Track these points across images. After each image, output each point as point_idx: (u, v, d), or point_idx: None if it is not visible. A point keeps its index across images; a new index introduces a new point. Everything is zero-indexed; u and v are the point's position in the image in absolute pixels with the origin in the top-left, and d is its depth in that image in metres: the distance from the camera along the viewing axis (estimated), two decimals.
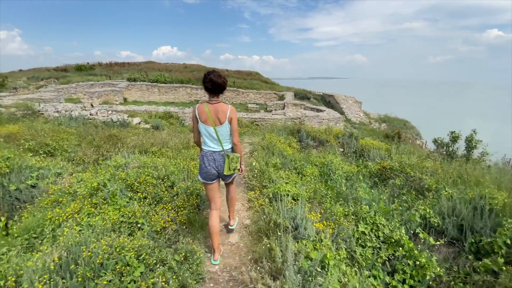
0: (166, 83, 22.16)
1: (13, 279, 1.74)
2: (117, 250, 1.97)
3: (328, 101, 22.82)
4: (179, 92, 21.15)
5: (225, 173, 2.45)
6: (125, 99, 20.65)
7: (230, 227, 2.96)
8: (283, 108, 17.35)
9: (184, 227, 2.88)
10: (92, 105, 8.62)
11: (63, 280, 1.71)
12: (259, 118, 8.96)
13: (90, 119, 7.03)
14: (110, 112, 7.40)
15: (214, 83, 2.30)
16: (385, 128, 21.01)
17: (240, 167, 2.56)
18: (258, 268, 2.22)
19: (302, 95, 22.24)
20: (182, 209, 3.05)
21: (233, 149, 2.52)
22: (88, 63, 32.46)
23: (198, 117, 2.39)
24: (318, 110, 15.52)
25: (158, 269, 1.99)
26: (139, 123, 7.37)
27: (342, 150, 6.67)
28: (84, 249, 1.92)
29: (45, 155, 4.52)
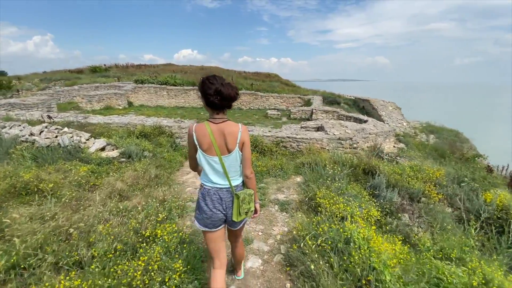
0: (176, 86, 19.81)
1: None
2: None
3: (362, 107, 19.43)
4: (190, 96, 18.69)
5: (234, 219, 1.79)
6: (130, 103, 18.48)
7: (236, 277, 2.30)
8: (311, 116, 14.29)
9: None
10: (49, 117, 6.10)
11: None
12: (289, 137, 6.01)
13: (27, 142, 4.43)
14: (62, 130, 4.75)
15: (224, 97, 1.61)
16: (436, 141, 17.33)
17: (255, 206, 1.90)
18: None
19: (330, 99, 19.03)
20: None
21: (243, 184, 1.85)
22: (104, 65, 31.59)
23: (197, 143, 1.69)
24: (358, 120, 12.30)
25: None
26: (102, 148, 4.69)
27: (451, 210, 3.59)
28: None
29: None
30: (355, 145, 5.85)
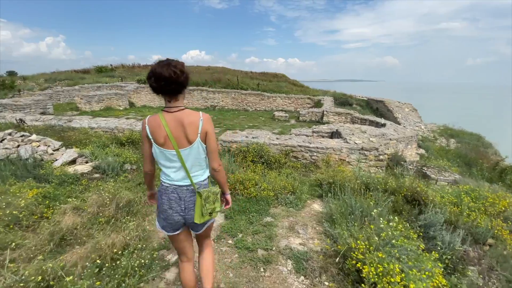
0: None
1: None
2: None
3: (376, 108, 18.22)
4: (194, 96, 17.86)
5: (196, 221, 1.55)
6: (132, 104, 17.79)
7: None
8: (321, 118, 13.24)
9: None
10: (21, 121, 5.28)
11: None
12: (301, 146, 5.03)
13: None
14: (28, 138, 3.89)
15: (159, 78, 1.36)
16: (457, 147, 16.00)
17: (224, 198, 1.76)
18: None
19: (342, 100, 17.90)
20: None
21: (208, 182, 1.64)
22: (111, 65, 31.45)
23: (150, 136, 1.48)
24: (375, 123, 11.20)
25: None
26: (73, 161, 3.80)
27: None
28: None
29: None
30: (381, 157, 4.82)
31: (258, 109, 17.26)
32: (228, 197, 1.79)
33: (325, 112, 13.02)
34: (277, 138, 5.37)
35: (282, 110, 16.39)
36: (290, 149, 5.11)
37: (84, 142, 4.74)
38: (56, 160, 3.71)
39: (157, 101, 18.35)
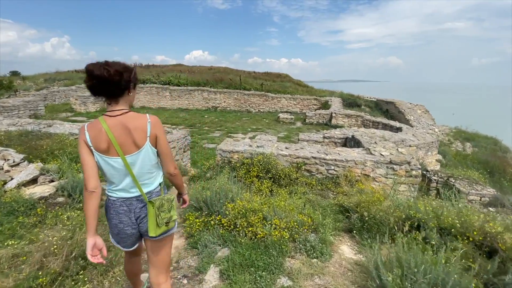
0: (179, 86, 18.27)
1: None
2: None
3: (386, 110, 17.30)
4: (194, 97, 17.11)
5: (151, 234, 1.39)
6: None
7: None
8: (330, 120, 12.38)
9: None
10: None
11: None
12: (315, 157, 4.20)
13: None
14: None
15: (90, 75, 1.23)
16: (474, 151, 15.02)
17: (182, 198, 1.70)
18: None
19: (350, 101, 17.01)
20: None
21: (161, 189, 1.47)
22: None
23: (91, 143, 1.28)
24: (389, 127, 10.33)
25: None
26: (34, 180, 3.01)
27: None
28: None
29: None
30: (414, 172, 3.96)
31: (261, 110, 16.45)
32: (186, 197, 1.74)
33: (333, 114, 12.16)
34: (286, 148, 4.54)
35: (287, 112, 15.55)
36: (303, 161, 4.28)
37: (55, 153, 3.94)
38: (11, 179, 2.94)
39: (156, 102, 17.62)
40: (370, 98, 19.95)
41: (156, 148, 1.39)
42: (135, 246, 1.53)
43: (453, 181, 6.59)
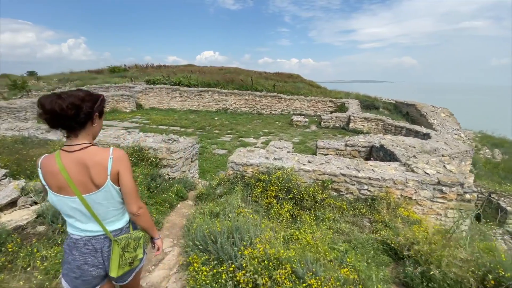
0: (190, 87, 17.88)
1: None
2: None
3: (406, 113, 16.31)
4: (205, 98, 16.65)
5: (112, 274, 1.28)
6: (140, 106, 16.81)
7: None
8: (347, 124, 11.59)
9: None
10: None
11: None
12: (344, 174, 3.53)
13: None
14: None
15: (46, 112, 1.10)
16: (503, 158, 13.86)
17: (155, 243, 1.49)
18: None
19: (367, 104, 16.12)
20: None
21: (130, 226, 1.38)
22: (125, 65, 31.41)
23: (44, 182, 1.20)
24: (414, 133, 9.47)
25: None
26: (13, 202, 2.51)
27: None
28: None
29: None
30: (468, 196, 3.24)
31: (273, 112, 15.80)
32: (159, 241, 1.51)
33: (351, 118, 11.37)
34: (309, 162, 3.88)
35: (300, 114, 14.84)
36: (329, 178, 3.62)
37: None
38: None
39: (166, 103, 17.29)
40: (389, 100, 18.94)
41: (118, 185, 1.25)
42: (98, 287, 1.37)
43: (496, 198, 5.76)
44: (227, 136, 10.19)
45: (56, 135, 5.01)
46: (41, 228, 2.44)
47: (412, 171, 3.62)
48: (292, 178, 3.55)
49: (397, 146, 5.44)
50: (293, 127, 12.10)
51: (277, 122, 13.14)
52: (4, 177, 2.85)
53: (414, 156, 4.22)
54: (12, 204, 2.59)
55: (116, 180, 1.24)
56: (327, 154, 6.65)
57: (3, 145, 4.34)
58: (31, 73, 29.43)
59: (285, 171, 3.64)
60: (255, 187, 3.62)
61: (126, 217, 1.36)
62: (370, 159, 6.41)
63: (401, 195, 3.47)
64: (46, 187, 1.20)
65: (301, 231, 2.70)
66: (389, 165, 3.89)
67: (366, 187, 3.52)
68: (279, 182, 3.47)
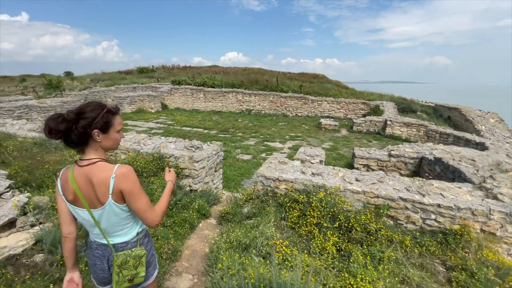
0: (214, 87, 17.65)
1: None
2: None
3: (448, 117, 14.74)
4: (228, 99, 16.31)
5: (113, 286, 1.33)
6: (165, 106, 16.87)
7: None
8: (383, 129, 10.56)
9: None
10: None
11: None
12: (404, 199, 2.77)
13: None
14: None
15: (50, 131, 1.12)
16: None
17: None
18: None
19: (402, 106, 14.79)
20: None
21: (138, 240, 1.37)
22: (152, 66, 32.42)
23: (61, 191, 1.25)
24: (463, 140, 8.27)
25: None
26: (12, 222, 2.12)
27: None
28: None
29: None
30: None
31: (299, 114, 15.03)
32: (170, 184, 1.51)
33: (388, 122, 10.32)
34: (357, 180, 3.19)
35: (328, 117, 13.95)
36: (385, 203, 2.91)
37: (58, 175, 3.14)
38: None
39: (190, 103, 17.19)
40: (427, 102, 17.34)
41: (126, 203, 1.26)
42: (109, 287, 1.44)
43: None
44: (251, 140, 9.66)
45: None
46: (38, 258, 2.02)
47: (495, 198, 2.79)
48: (337, 202, 2.89)
49: (460, 160, 4.54)
50: (321, 131, 11.29)
51: (303, 125, 12.38)
52: (8, 189, 2.51)
53: (491, 176, 3.35)
54: (11, 224, 2.23)
55: (120, 198, 1.23)
56: (366, 165, 5.85)
57: (21, 148, 4.12)
58: (68, 74, 31.22)
59: (328, 192, 2.99)
60: (291, 209, 3.00)
61: (134, 232, 1.36)
62: (419, 174, 5.52)
63: (481, 230, 2.67)
64: (63, 197, 1.24)
65: (358, 279, 2.04)
66: (459, 188, 3.08)
67: (433, 216, 2.76)
68: (322, 206, 2.82)
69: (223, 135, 10.18)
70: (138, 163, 3.74)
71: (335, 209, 2.82)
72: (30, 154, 3.73)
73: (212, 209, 3.68)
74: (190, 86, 17.68)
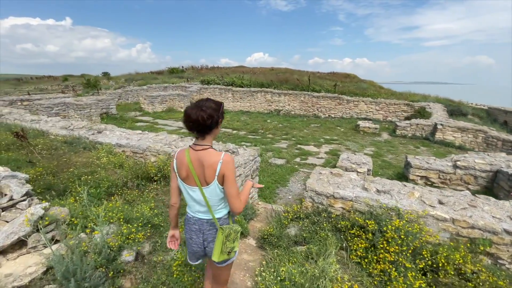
0: (242, 87, 17.30)
1: None
2: None
3: (504, 122, 12.96)
4: (257, 99, 15.83)
5: (214, 258, 1.50)
6: None
7: None
8: (432, 134, 9.37)
9: None
10: (20, 134, 3.68)
11: None
12: (510, 232, 1.97)
13: None
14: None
15: (188, 119, 1.39)
16: None
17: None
18: None
19: (451, 109, 13.24)
20: None
21: (228, 217, 1.60)
22: (182, 66, 33.30)
23: (176, 170, 1.53)
24: None
25: None
26: (20, 243, 1.76)
27: None
28: None
29: None
30: None
31: (332, 115, 14.11)
32: (255, 184, 1.74)
33: (439, 126, 9.12)
34: (441, 203, 2.46)
35: (365, 119, 12.88)
36: (485, 237, 2.16)
37: (84, 179, 2.77)
38: None
39: None
40: (477, 105, 15.46)
41: (223, 186, 1.45)
42: (198, 262, 1.69)
43: None
44: (283, 142, 9.05)
45: (104, 138, 4.50)
46: (51, 287, 1.60)
47: None
48: (418, 232, 2.20)
49: None
50: (359, 134, 10.34)
51: (338, 127, 11.50)
52: (25, 197, 2.19)
53: None
54: (22, 242, 1.88)
55: (221, 182, 1.43)
56: (424, 177, 4.99)
57: (51, 146, 3.92)
58: (105, 74, 33.09)
59: (404, 216, 2.31)
60: (354, 236, 2.37)
61: (226, 210, 1.57)
62: (492, 190, 4.54)
63: None
64: (177, 174, 1.50)
65: None
66: None
67: None
68: (400, 238, 2.15)
69: (253, 137, 9.69)
70: (168, 168, 3.32)
71: (416, 242, 2.13)
72: (57, 154, 3.49)
73: (249, 225, 3.16)
74: (218, 86, 17.49)
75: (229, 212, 1.57)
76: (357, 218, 2.45)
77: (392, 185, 2.80)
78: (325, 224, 2.58)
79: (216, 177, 1.39)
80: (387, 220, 2.33)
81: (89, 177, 2.85)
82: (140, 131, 4.72)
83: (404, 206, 2.45)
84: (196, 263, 1.67)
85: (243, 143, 8.75)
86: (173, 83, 20.73)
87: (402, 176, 5.52)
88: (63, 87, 23.82)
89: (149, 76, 28.66)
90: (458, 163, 4.77)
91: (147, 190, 3.06)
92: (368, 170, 5.15)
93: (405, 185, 2.81)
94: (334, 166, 6.40)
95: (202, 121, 1.34)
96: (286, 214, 2.88)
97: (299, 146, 8.57)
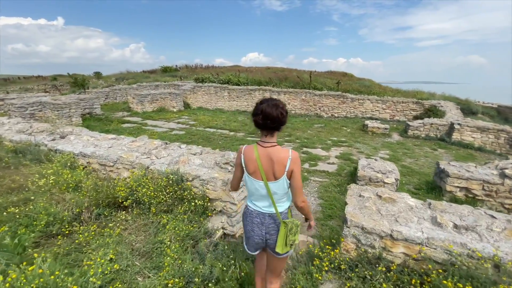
0: (239, 85, 16.33)
1: None
2: None
3: None
4: (255, 97, 14.90)
5: (278, 250, 1.63)
6: (187, 105, 15.79)
7: None
8: (448, 134, 8.54)
9: None
10: None
11: None
12: None
13: None
14: None
15: (266, 116, 1.50)
16: None
17: (309, 223, 1.81)
18: None
19: (461, 108, 12.49)
20: None
21: (288, 212, 1.72)
22: (176, 65, 32.40)
23: (244, 165, 1.65)
24: None
25: None
26: None
27: None
28: None
29: None
30: None
31: (335, 115, 13.24)
32: (312, 223, 1.82)
33: (456, 126, 8.29)
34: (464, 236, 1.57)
35: (371, 118, 12.04)
36: None
37: (12, 212, 1.80)
38: None
39: (214, 102, 15.98)
40: (485, 103, 14.78)
41: (290, 180, 1.58)
42: (257, 252, 1.80)
43: None
44: (286, 145, 8.13)
45: (67, 145, 3.50)
46: None
47: None
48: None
49: None
50: (368, 135, 9.48)
51: (344, 128, 10.63)
52: None
53: None
54: None
55: (289, 176, 1.56)
56: (465, 189, 4.10)
57: None
58: (97, 73, 31.86)
59: (503, 271, 1.38)
60: None
61: (287, 205, 1.70)
62: None
63: None
64: (244, 169, 1.62)
65: None
66: None
67: None
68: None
69: (252, 138, 8.74)
70: (144, 190, 2.36)
71: None
72: None
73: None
74: (213, 84, 16.48)
75: (288, 207, 1.69)
76: (422, 267, 1.52)
77: (474, 217, 1.88)
78: (382, 280, 1.65)
79: (285, 172, 1.54)
80: (488, 280, 1.41)
81: (20, 209, 1.86)
82: (113, 136, 3.72)
83: (507, 254, 1.53)
84: (256, 253, 1.79)
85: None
86: (165, 82, 19.66)
87: (434, 186, 4.64)
88: (49, 87, 22.48)
89: (141, 75, 27.47)
90: (507, 171, 3.90)
91: (111, 224, 2.09)
92: (396, 179, 4.26)
93: (494, 217, 1.90)
94: (352, 175, 5.48)
95: (282, 118, 1.51)
96: (318, 261, 1.94)
97: (305, 149, 7.65)
